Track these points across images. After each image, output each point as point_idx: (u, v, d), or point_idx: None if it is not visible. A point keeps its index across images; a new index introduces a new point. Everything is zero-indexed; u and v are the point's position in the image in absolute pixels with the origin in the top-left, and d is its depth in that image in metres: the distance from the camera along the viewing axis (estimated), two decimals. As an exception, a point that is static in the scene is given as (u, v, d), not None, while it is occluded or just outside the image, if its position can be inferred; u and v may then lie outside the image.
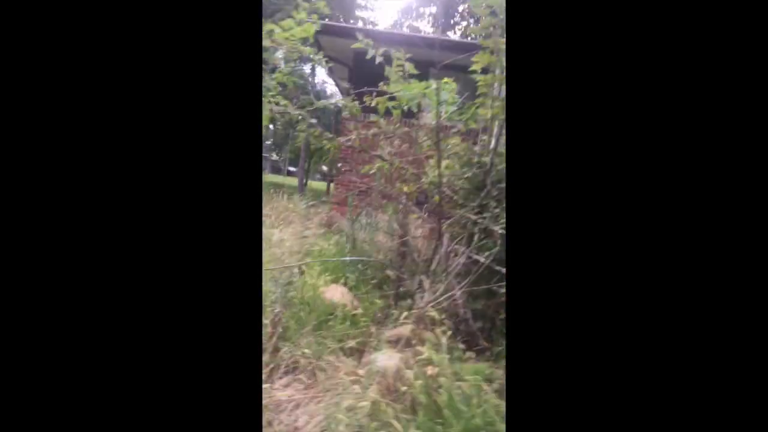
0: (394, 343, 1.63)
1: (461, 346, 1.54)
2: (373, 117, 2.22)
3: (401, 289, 2.00)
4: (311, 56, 1.74)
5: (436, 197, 2.23)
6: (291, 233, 2.98)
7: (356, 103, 1.87)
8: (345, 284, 2.14)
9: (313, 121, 1.87)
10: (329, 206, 4.54)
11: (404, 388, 1.29)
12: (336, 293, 2.07)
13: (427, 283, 1.47)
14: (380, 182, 2.20)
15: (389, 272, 1.90)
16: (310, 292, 1.96)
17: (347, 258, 2.03)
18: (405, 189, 1.91)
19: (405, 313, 1.52)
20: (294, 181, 18.63)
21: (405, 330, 1.59)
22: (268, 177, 20.59)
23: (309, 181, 17.28)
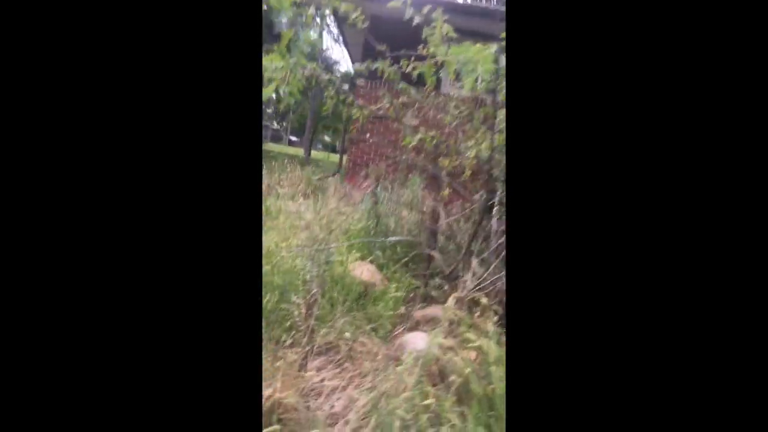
0: (431, 325, 1.56)
1: (498, 329, 1.49)
2: (401, 85, 2.06)
3: (433, 268, 1.92)
4: (349, 14, 1.58)
5: (467, 172, 2.11)
6: (316, 208, 2.88)
7: (395, 67, 1.71)
8: (372, 262, 2.06)
9: (345, 87, 1.72)
10: (341, 178, 4.42)
11: (453, 377, 1.22)
12: (363, 271, 1.98)
13: (474, 263, 1.38)
14: (409, 155, 2.07)
15: (431, 252, 1.80)
16: (339, 269, 1.88)
17: (393, 238, 1.93)
18: (445, 163, 1.79)
19: (452, 297, 1.43)
20: (296, 151, 18.36)
21: (444, 312, 1.51)
22: (270, 146, 20.25)
23: (311, 151, 16.98)
